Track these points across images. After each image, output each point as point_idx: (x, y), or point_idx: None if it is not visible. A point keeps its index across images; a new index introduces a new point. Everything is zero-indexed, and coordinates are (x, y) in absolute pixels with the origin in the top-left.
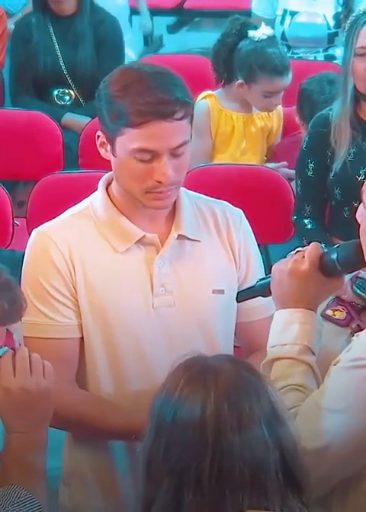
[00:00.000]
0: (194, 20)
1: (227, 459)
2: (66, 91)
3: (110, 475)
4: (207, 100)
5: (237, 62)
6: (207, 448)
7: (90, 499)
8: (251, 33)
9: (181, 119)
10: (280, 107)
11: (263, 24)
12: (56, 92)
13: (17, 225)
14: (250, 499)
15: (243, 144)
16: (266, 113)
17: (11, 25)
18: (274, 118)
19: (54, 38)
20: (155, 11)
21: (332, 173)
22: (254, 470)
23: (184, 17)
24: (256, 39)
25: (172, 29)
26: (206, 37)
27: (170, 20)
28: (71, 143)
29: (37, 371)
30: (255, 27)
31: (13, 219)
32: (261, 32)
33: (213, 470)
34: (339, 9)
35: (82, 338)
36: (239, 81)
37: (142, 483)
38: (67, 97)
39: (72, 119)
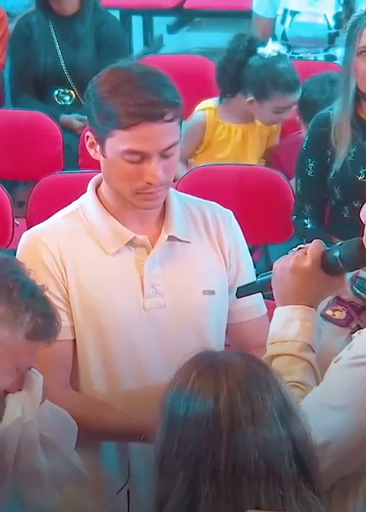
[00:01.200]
0: (194, 20)
1: (242, 449)
2: (67, 91)
3: (100, 478)
4: (205, 112)
5: (248, 79)
6: (222, 438)
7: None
8: (260, 50)
9: (170, 120)
10: None
11: (270, 40)
12: (56, 92)
13: (17, 225)
14: (266, 488)
15: (239, 153)
16: None
17: (13, 27)
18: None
19: (55, 38)
20: (155, 11)
21: (333, 172)
22: (268, 460)
23: (184, 17)
24: (266, 56)
25: (172, 29)
26: (206, 37)
27: (170, 20)
28: (71, 143)
29: None
30: (263, 44)
31: (13, 219)
32: (271, 48)
33: (228, 460)
34: (340, 9)
35: (75, 340)
36: (250, 98)
37: (154, 482)
38: (67, 97)
39: (66, 119)
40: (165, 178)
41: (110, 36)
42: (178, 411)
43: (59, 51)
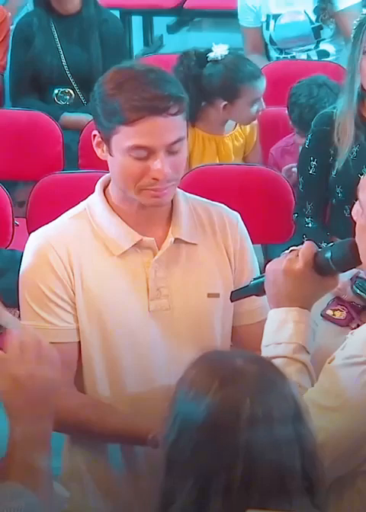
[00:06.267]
0: (194, 20)
1: (260, 463)
2: (67, 90)
3: (107, 477)
4: None
5: (211, 88)
6: (239, 454)
7: (88, 501)
8: (211, 54)
9: (175, 114)
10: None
11: (213, 44)
12: (56, 91)
13: (18, 225)
14: (276, 504)
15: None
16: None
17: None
18: (246, 129)
19: (56, 37)
20: (155, 11)
21: (335, 171)
22: (281, 473)
23: (184, 17)
24: (219, 58)
25: (172, 29)
26: (206, 37)
27: (170, 20)
28: (71, 143)
29: (46, 359)
30: (209, 50)
31: (13, 219)
32: (219, 50)
33: (245, 475)
34: (317, 3)
35: (79, 342)
36: (222, 104)
37: (161, 475)
38: (67, 97)
39: (70, 118)
40: (172, 175)
41: (111, 35)
42: (194, 417)
43: (61, 50)
